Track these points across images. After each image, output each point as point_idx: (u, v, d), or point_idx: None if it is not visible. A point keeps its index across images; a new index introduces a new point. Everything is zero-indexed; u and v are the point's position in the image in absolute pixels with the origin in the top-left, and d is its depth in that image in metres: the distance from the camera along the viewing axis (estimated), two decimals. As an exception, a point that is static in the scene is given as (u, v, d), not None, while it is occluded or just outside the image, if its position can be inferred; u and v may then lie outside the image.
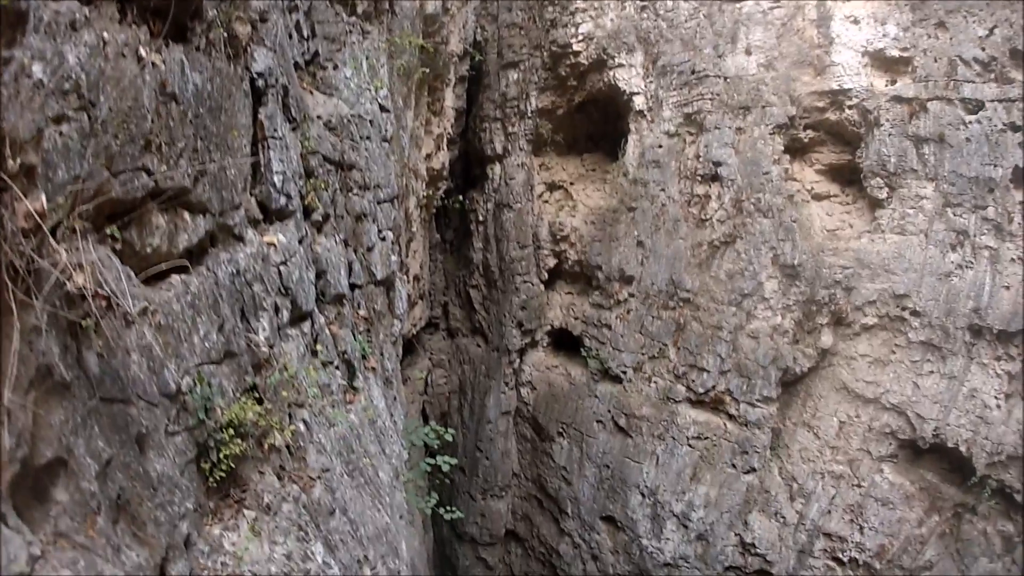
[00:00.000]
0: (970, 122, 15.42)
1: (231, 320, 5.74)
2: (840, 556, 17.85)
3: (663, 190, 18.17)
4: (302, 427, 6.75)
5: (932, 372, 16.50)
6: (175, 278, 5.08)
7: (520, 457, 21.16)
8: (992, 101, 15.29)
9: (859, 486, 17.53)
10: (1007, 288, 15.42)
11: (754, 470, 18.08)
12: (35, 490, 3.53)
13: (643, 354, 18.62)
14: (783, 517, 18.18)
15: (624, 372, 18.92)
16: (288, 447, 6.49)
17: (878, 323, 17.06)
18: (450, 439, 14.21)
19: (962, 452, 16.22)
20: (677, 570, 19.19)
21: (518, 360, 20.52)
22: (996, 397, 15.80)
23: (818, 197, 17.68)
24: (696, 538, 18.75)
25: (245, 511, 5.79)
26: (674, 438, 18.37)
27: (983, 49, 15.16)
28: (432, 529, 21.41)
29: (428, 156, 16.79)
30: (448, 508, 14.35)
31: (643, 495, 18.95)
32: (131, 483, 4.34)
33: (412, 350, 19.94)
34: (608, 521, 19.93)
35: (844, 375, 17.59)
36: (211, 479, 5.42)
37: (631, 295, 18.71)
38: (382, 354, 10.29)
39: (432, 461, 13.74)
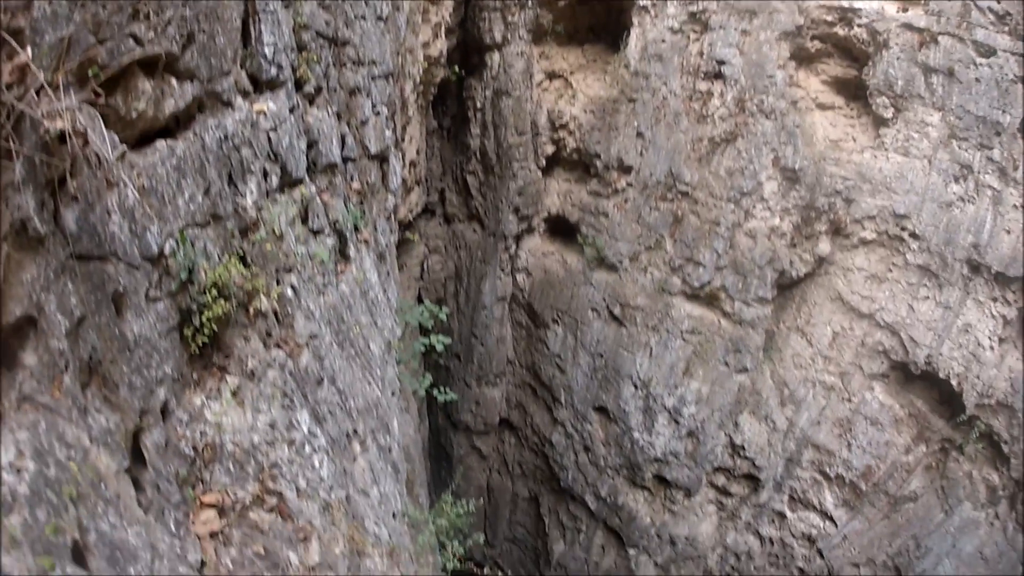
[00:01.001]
0: (981, 64, 15.31)
1: (218, 183, 5.62)
2: (827, 471, 18.31)
3: (665, 84, 17.91)
4: (290, 292, 6.61)
5: (928, 298, 16.71)
6: (160, 143, 4.98)
7: (515, 344, 21.37)
8: (1004, 52, 15.11)
9: (849, 400, 17.88)
10: (1008, 232, 15.51)
11: (746, 370, 18.34)
12: (2, 355, 3.45)
13: (639, 244, 18.60)
14: (773, 422, 18.50)
15: (620, 261, 18.90)
16: (275, 313, 6.34)
17: (876, 239, 17.17)
18: (444, 318, 14.16)
19: (953, 386, 16.59)
20: (667, 466, 19.56)
21: (514, 246, 20.46)
22: (990, 338, 16.07)
23: (822, 107, 17.55)
24: (687, 435, 19.08)
25: (228, 378, 5.67)
26: (668, 331, 18.49)
27: (999, 2, 15.00)
28: (427, 418, 21.69)
29: (426, 44, 16.51)
30: (441, 390, 14.49)
31: (635, 386, 19.19)
32: (105, 344, 4.24)
33: (408, 236, 19.90)
34: (601, 412, 20.21)
35: (840, 286, 17.76)
36: (193, 346, 5.30)
37: (629, 184, 18.60)
38: (375, 228, 10.14)
39: (426, 341, 13.72)
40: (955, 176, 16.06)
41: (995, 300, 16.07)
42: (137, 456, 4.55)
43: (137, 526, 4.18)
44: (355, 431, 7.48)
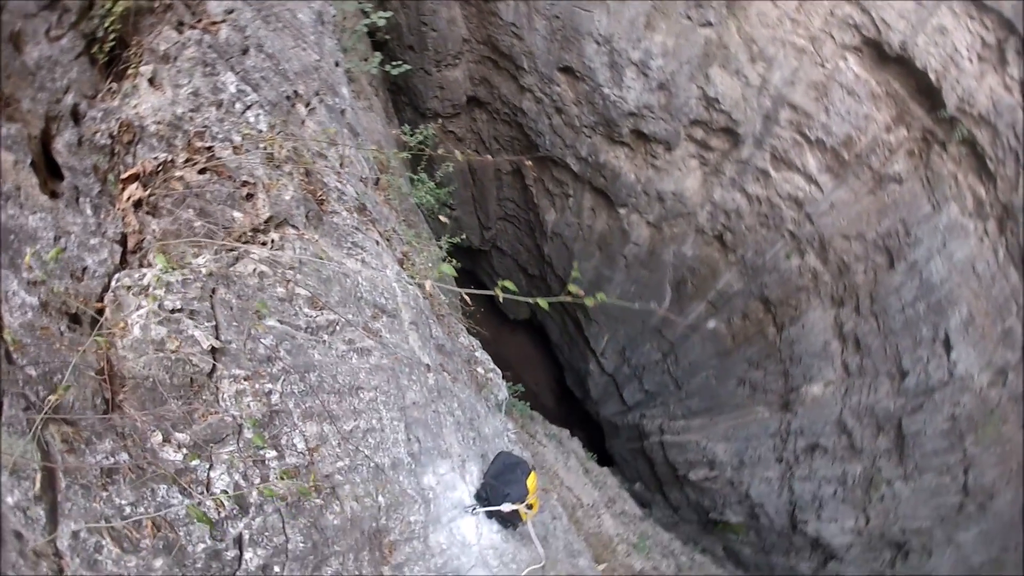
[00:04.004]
0: None
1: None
2: (806, 132, 18.97)
3: None
4: None
5: (897, -15, 16.56)
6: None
7: (467, 22, 21.40)
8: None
9: (823, 66, 18.30)
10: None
11: (711, 24, 18.67)
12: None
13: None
14: (745, 77, 19.03)
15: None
16: (184, 3, 6.28)
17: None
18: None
19: (931, 80, 16.95)
20: (643, 120, 20.36)
21: (446, -78, 19.88)
22: (968, 50, 16.36)
23: None
24: (658, 87, 19.73)
25: (142, 68, 5.65)
26: (623, -16, 18.36)
27: None
28: (395, 116, 22.32)
29: None
30: (393, 64, 14.30)
31: (598, 43, 19.51)
32: (6, 77, 4.55)
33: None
34: (566, 72, 20.69)
35: (801, -56, 17.54)
36: (102, 56, 5.37)
37: None
38: None
39: (367, 21, 13.85)
40: None
41: (972, 18, 16.30)
42: (54, 174, 4.89)
43: (42, 213, 4.53)
44: (296, 92, 7.30)
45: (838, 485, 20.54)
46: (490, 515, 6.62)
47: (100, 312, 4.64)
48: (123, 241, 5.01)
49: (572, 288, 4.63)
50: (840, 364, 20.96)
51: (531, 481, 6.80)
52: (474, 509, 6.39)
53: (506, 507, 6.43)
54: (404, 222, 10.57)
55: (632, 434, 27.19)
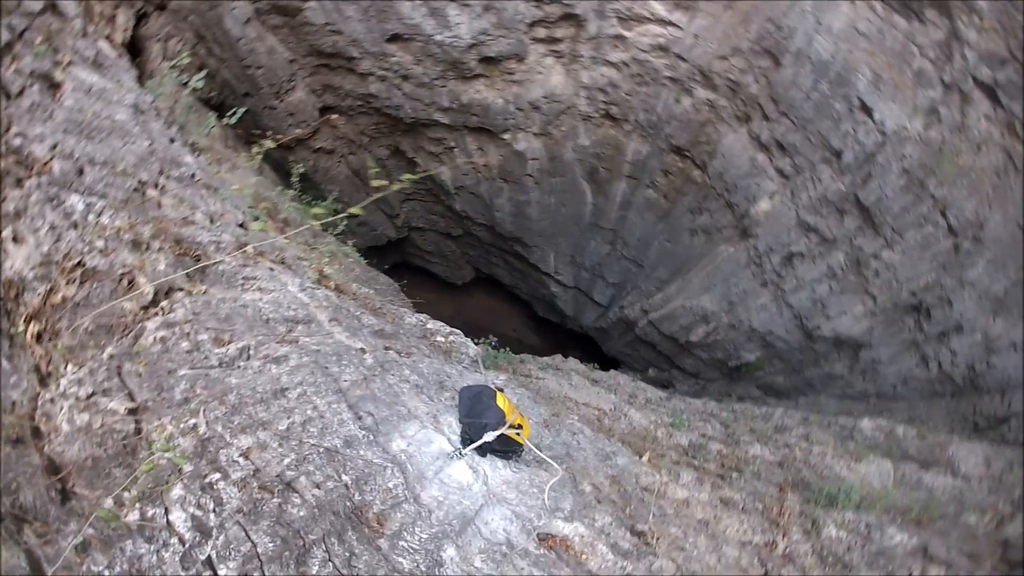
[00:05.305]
0: None
1: None
2: None
3: None
4: (17, 141, 6.97)
5: None
6: None
7: (284, 45, 21.62)
8: None
9: None
10: None
11: None
12: None
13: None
14: None
15: None
16: (15, 163, 6.89)
17: None
18: (200, 85, 13.55)
19: None
20: (484, 46, 20.61)
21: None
22: None
23: None
24: (484, 11, 19.85)
25: (3, 235, 6.30)
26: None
27: None
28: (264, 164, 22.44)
29: None
30: (230, 114, 13.34)
31: None
32: None
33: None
34: (395, 40, 20.86)
35: None
36: None
37: None
38: (79, 57, 9.23)
39: (187, 91, 14.07)
40: None
41: None
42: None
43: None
44: (141, 181, 7.79)
45: (829, 280, 20.51)
46: (484, 452, 6.74)
47: (35, 425, 5.43)
48: (38, 369, 5.75)
49: (375, 182, 5.23)
50: (774, 172, 21.03)
51: (502, 401, 6.95)
52: (460, 453, 6.51)
53: (489, 436, 6.58)
54: (302, 243, 10.87)
55: (621, 329, 27.73)
